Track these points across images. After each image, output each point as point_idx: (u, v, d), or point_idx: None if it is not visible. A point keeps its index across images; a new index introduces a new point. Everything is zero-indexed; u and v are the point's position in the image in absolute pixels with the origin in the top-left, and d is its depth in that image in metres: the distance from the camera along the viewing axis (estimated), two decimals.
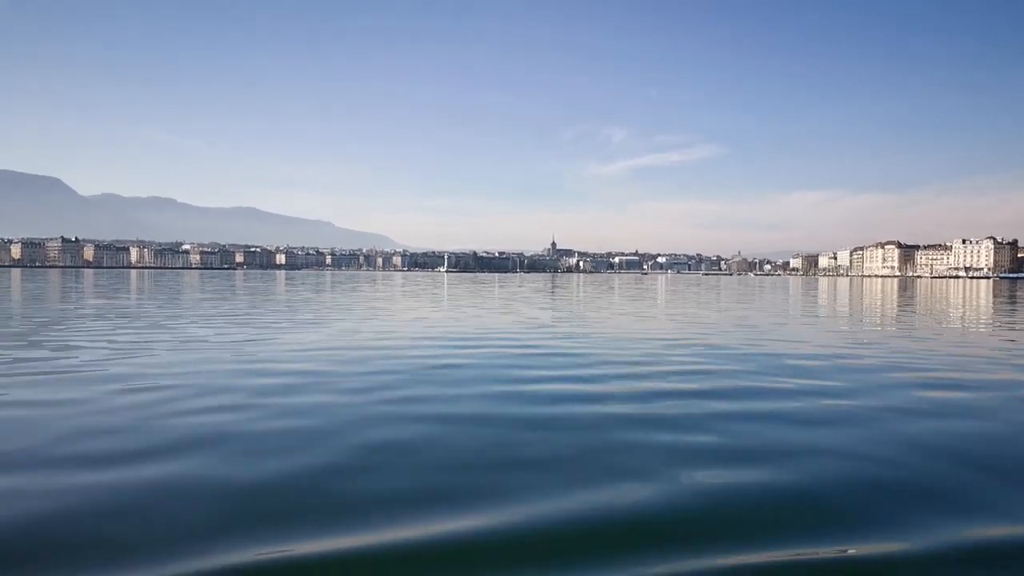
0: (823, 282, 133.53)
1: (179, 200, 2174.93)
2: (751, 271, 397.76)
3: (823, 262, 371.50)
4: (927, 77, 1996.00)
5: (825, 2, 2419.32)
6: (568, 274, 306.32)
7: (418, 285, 72.94)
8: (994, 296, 56.03)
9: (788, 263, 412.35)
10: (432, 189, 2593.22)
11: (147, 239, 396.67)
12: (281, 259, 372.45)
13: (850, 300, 45.24)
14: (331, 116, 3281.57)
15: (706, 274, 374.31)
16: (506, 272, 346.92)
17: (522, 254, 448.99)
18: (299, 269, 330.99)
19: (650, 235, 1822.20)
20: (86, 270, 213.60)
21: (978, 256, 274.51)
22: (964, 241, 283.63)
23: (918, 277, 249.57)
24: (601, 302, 38.74)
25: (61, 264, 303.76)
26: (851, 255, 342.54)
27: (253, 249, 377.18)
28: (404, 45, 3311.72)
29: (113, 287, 53.59)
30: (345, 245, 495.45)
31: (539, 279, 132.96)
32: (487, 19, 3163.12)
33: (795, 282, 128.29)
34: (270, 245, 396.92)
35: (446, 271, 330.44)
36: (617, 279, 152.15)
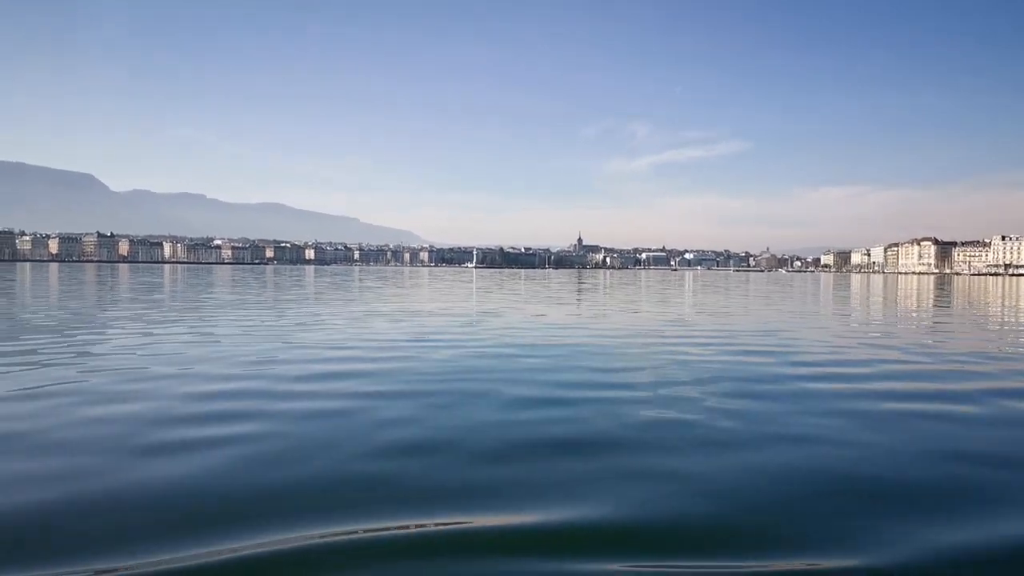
0: (860, 279, 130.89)
1: (209, 196, 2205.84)
2: (781, 268, 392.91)
3: (856, 258, 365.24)
4: (955, 71, 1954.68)
5: None
6: (596, 270, 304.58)
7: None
8: None
9: (819, 259, 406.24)
10: (455, 185, 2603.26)
11: (179, 234, 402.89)
12: (310, 254, 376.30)
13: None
14: (359, 113, 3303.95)
15: (737, 270, 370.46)
16: (533, 268, 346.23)
17: (548, 250, 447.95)
18: (328, 264, 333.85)
19: (674, 231, 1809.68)
20: (121, 265, 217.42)
21: (1019, 252, 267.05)
22: (1004, 237, 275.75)
23: (956, 274, 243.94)
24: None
25: (97, 259, 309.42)
26: (885, 252, 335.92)
27: (283, 244, 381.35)
28: (432, 43, 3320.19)
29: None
30: (371, 241, 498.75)
31: (570, 275, 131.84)
32: (515, 17, 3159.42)
33: (836, 279, 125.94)
34: (298, 240, 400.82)
35: (474, 267, 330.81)
36: (644, 275, 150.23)
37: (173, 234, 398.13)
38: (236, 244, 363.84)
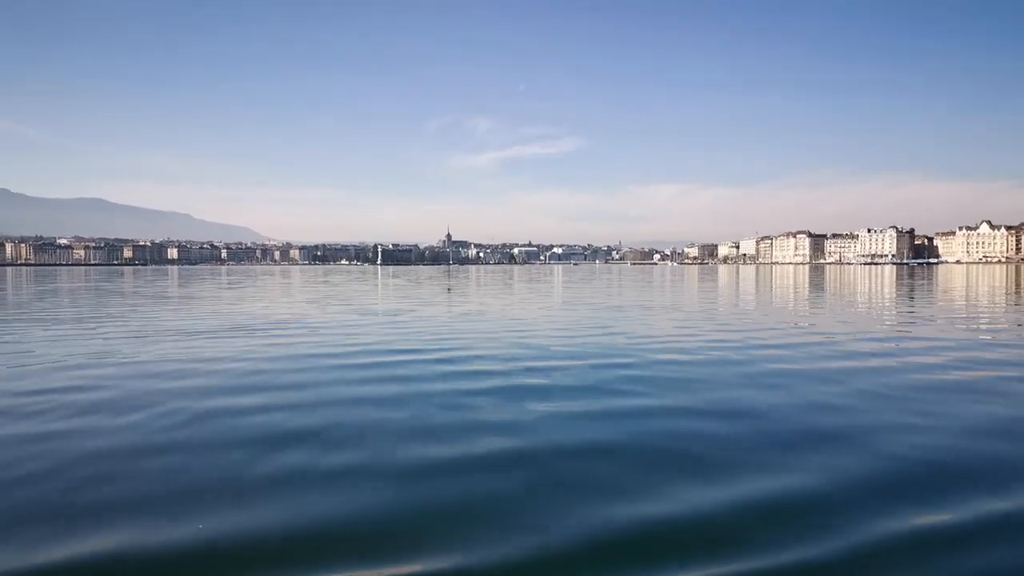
0: (756, 270, 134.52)
1: (13, 190, 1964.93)
2: (646, 261, 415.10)
3: (723, 251, 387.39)
4: (770, 78, 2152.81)
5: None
6: (468, 266, 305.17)
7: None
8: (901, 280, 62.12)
9: (678, 252, 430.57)
10: (297, 179, 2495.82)
11: None
12: (174, 253, 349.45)
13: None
14: (192, 104, 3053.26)
15: (607, 262, 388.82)
16: (410, 264, 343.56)
17: (417, 246, 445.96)
18: (195, 264, 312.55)
19: (529, 226, 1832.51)
20: None
21: (882, 243, 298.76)
22: (869, 230, 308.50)
23: (829, 264, 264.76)
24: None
25: None
26: (758, 244, 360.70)
27: (142, 244, 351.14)
28: (275, 33, 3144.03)
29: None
30: (206, 238, 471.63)
31: (465, 271, 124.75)
32: (360, 7, 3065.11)
33: (728, 271, 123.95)
34: (160, 238, 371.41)
35: (380, 264, 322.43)
36: (517, 270, 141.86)
37: None
38: (90, 244, 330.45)
